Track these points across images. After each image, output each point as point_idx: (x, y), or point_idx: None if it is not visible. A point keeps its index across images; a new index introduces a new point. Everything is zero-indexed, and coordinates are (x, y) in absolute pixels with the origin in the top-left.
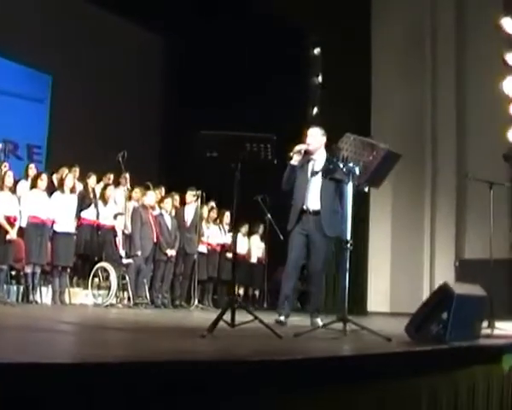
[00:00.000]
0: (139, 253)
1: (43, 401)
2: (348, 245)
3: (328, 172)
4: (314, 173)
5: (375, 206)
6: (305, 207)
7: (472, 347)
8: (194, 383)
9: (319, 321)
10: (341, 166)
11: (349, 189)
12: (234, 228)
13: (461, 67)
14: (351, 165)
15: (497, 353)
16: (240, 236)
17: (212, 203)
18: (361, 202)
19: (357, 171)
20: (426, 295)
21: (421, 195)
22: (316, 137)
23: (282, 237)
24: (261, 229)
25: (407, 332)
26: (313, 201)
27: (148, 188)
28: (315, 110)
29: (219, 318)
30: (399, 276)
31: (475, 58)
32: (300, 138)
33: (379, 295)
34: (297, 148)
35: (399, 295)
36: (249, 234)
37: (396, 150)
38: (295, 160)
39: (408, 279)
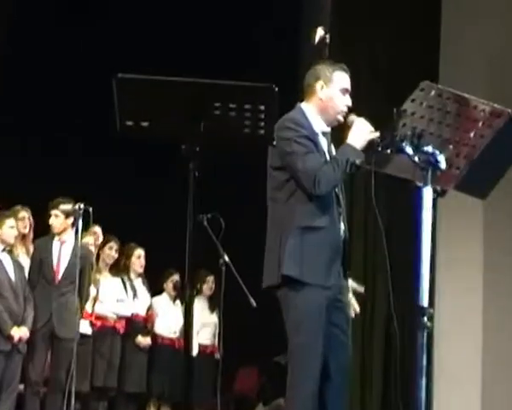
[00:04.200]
0: None
1: None
2: (425, 318)
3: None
4: (353, 166)
5: (447, 239)
6: (342, 234)
7: None
8: None
9: None
10: (411, 150)
11: (427, 198)
12: (188, 291)
13: None
14: (429, 149)
15: None
16: (164, 300)
17: (97, 229)
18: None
19: (442, 162)
20: None
21: None
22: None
23: (254, 304)
24: (209, 285)
25: None
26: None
27: None
28: (319, 33)
29: None
30: (494, 379)
31: None
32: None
33: None
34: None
35: None
36: (183, 296)
37: None
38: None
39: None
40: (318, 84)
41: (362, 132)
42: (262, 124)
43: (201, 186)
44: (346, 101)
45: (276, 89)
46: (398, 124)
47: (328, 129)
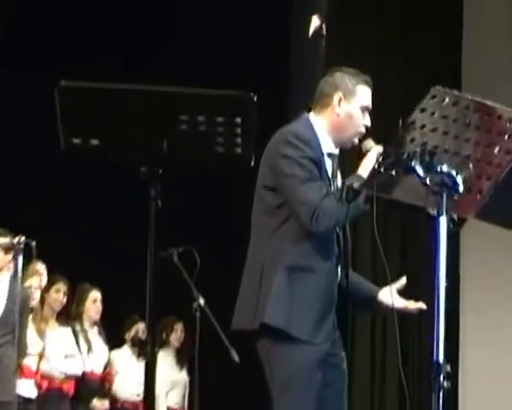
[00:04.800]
0: None
1: None
2: (441, 377)
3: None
4: (351, 192)
5: (473, 276)
6: (339, 279)
7: None
8: None
9: None
10: (421, 171)
11: (442, 230)
12: (150, 344)
13: None
14: (444, 169)
15: None
16: (125, 354)
17: (41, 267)
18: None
19: (460, 184)
20: None
21: None
22: None
23: (236, 359)
24: (177, 335)
25: None
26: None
27: None
28: (313, 24)
29: None
30: None
31: None
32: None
33: None
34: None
35: None
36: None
37: None
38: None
39: None
40: (336, 96)
41: None
42: (238, 140)
43: (170, 214)
44: (366, 121)
45: (255, 97)
46: (405, 139)
47: (337, 151)
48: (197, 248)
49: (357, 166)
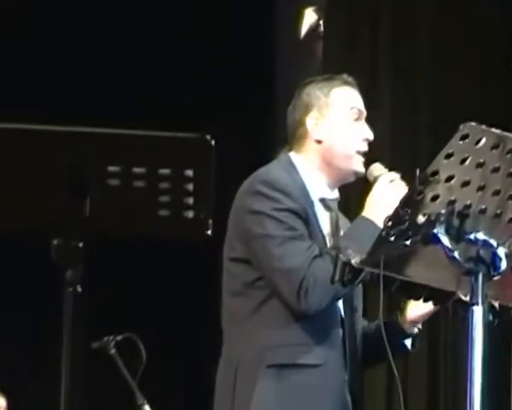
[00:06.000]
0: None
1: None
2: None
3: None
4: (346, 269)
5: None
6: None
7: None
8: None
9: None
10: (447, 241)
11: (477, 322)
12: None
13: None
14: (480, 238)
15: None
16: None
17: None
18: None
19: (502, 259)
20: None
21: None
22: None
23: None
24: None
25: None
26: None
27: None
28: (308, 19)
29: None
30: None
31: None
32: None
33: None
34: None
35: None
36: None
37: None
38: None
39: None
40: (310, 119)
41: (390, 198)
42: (189, 201)
43: (105, 291)
44: (364, 132)
45: (213, 141)
46: (426, 196)
47: (335, 194)
48: (142, 337)
49: (363, 203)
